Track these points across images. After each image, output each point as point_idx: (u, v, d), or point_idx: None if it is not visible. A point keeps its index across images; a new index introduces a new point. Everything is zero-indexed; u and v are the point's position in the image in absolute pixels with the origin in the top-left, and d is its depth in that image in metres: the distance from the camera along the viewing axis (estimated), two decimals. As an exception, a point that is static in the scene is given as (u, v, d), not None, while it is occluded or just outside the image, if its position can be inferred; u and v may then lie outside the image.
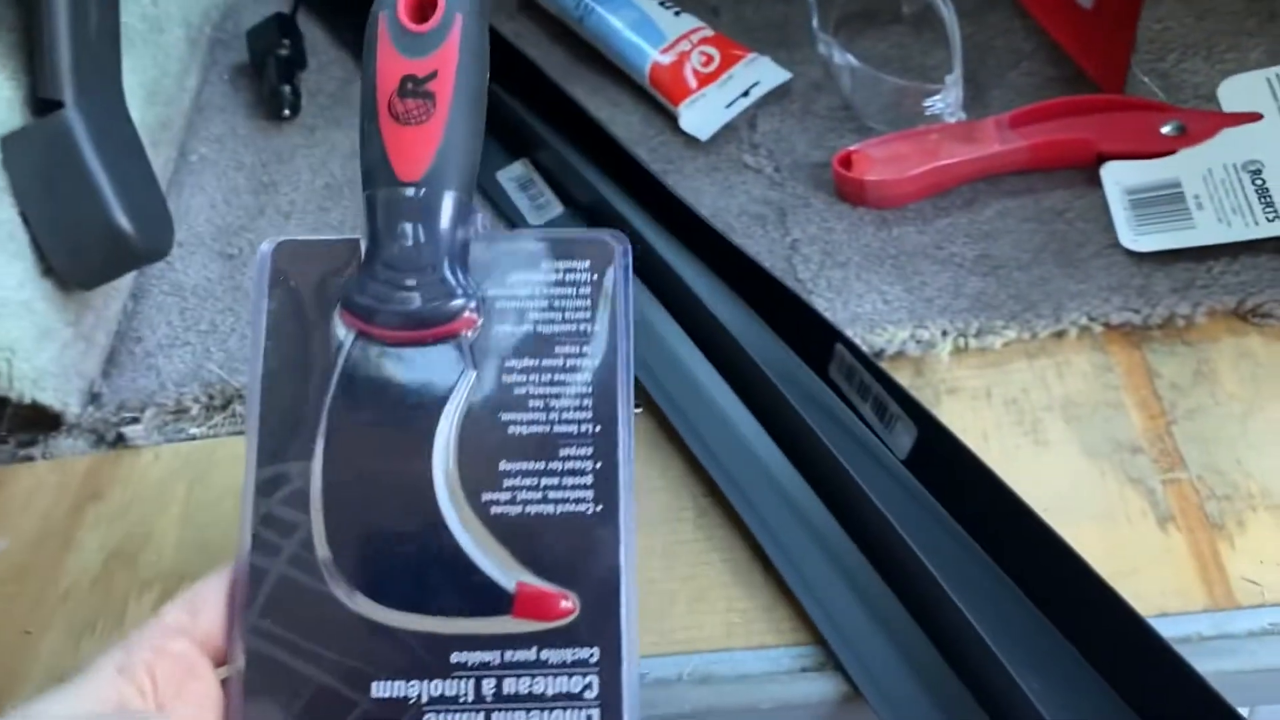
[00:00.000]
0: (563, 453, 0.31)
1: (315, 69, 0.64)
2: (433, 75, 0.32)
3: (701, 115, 0.56)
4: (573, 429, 0.32)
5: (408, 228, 0.32)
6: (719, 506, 0.44)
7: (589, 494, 0.31)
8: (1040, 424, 0.45)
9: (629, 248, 0.34)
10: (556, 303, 0.33)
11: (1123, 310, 0.46)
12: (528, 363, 0.32)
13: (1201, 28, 0.55)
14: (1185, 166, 0.49)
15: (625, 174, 0.54)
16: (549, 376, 0.32)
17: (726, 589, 0.42)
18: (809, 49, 0.56)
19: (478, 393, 0.32)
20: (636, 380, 0.47)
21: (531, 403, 0.32)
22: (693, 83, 0.56)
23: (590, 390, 0.32)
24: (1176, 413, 0.44)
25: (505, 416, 0.32)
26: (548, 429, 0.32)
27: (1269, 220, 0.46)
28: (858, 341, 0.47)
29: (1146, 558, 0.40)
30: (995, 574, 0.40)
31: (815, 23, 0.55)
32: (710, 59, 0.57)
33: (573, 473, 0.31)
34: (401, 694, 0.30)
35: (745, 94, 0.56)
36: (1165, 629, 0.38)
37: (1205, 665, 0.37)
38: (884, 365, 0.47)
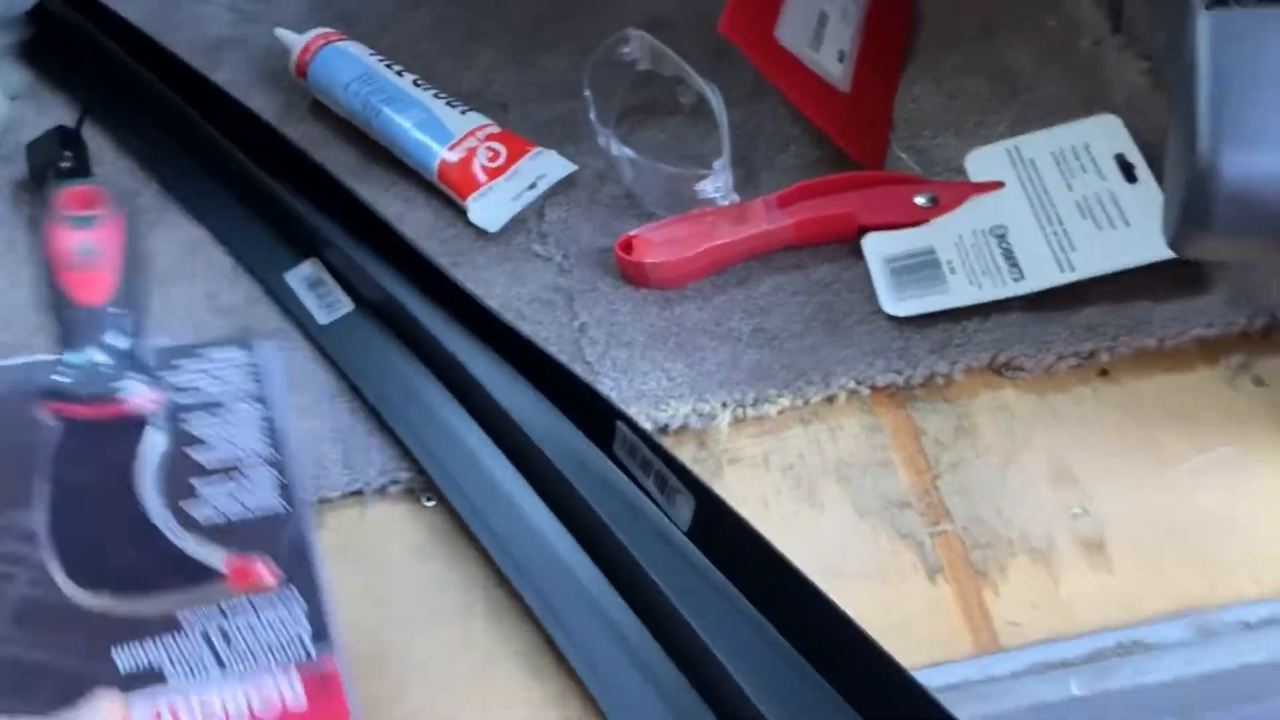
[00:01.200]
0: (249, 471, 0.44)
1: (101, 179, 0.63)
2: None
3: (490, 208, 0.57)
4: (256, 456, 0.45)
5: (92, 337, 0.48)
6: (512, 597, 0.44)
7: (277, 497, 0.44)
8: (816, 487, 0.46)
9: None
10: (222, 374, 0.48)
11: (886, 372, 0.48)
12: (206, 417, 0.46)
13: (953, 107, 0.59)
14: (938, 234, 0.52)
15: (414, 268, 0.54)
16: (224, 423, 0.46)
17: (521, 682, 0.42)
18: (594, 141, 0.58)
19: (164, 443, 0.45)
20: (430, 476, 0.47)
21: (213, 442, 0.45)
22: (481, 177, 0.58)
23: (266, 429, 0.46)
24: (941, 467, 0.46)
25: (194, 453, 0.45)
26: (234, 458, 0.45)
27: (1014, 280, 0.50)
28: (643, 418, 0.48)
29: (917, 610, 0.42)
30: (773, 640, 0.41)
31: (594, 117, 0.57)
32: (497, 154, 0.58)
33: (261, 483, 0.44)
34: (144, 657, 0.39)
35: (532, 186, 0.58)
36: (936, 678, 0.40)
37: (974, 709, 0.39)
38: (669, 440, 0.48)
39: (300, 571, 0.41)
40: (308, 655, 0.39)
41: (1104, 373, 0.48)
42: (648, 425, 0.48)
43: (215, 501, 0.43)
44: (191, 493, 0.44)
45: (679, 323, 0.52)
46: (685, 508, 0.44)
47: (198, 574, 0.41)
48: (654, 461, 0.45)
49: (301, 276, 0.56)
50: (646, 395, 0.49)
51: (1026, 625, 0.41)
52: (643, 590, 0.41)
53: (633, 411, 0.48)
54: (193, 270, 0.57)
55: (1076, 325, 0.48)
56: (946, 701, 0.38)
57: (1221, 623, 0.40)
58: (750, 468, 0.47)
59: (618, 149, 0.56)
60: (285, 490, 0.44)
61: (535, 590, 0.43)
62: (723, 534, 0.43)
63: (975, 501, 0.45)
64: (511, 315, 0.53)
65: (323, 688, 0.39)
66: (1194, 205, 0.38)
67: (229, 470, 0.44)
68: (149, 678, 0.39)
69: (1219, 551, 0.42)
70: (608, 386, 0.50)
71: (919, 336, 0.50)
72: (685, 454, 0.48)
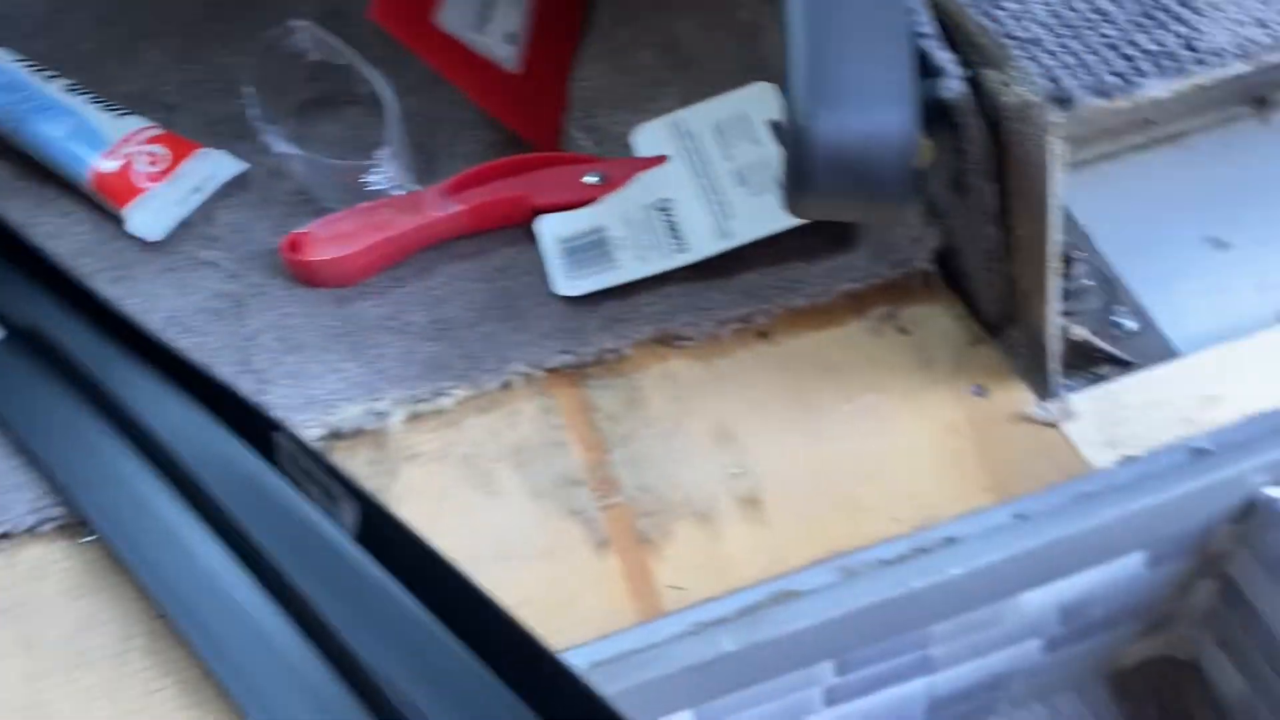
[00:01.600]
0: None
1: None
2: None
3: (152, 215, 0.54)
4: None
5: None
6: (173, 630, 0.42)
7: None
8: (492, 475, 0.46)
9: None
10: None
11: (560, 354, 0.49)
12: None
13: (625, 82, 0.60)
14: (607, 212, 0.53)
15: (66, 289, 0.51)
16: None
17: (183, 713, 0.40)
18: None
19: None
20: (83, 511, 0.44)
21: None
22: (142, 183, 0.54)
23: None
24: (613, 441, 0.47)
25: None
26: None
27: (678, 252, 0.51)
28: (315, 425, 0.47)
29: (585, 584, 0.43)
30: (440, 638, 0.41)
31: (257, 113, 0.55)
32: (158, 158, 0.55)
33: None
34: None
35: (197, 189, 0.55)
36: (602, 650, 0.41)
37: (637, 677, 0.40)
38: (344, 443, 0.47)
39: None
40: None
41: (762, 335, 0.49)
42: (320, 431, 0.47)
43: None
44: None
45: (355, 321, 0.51)
46: (350, 514, 0.43)
47: None
48: (315, 470, 0.44)
49: (-59, 307, 0.52)
50: (318, 401, 0.48)
51: (689, 588, 0.42)
52: (305, 607, 0.40)
53: (304, 418, 0.47)
54: None
55: (735, 291, 0.50)
56: (608, 673, 0.39)
57: (863, 563, 0.42)
58: (428, 463, 0.47)
59: (282, 146, 0.54)
60: None
61: (192, 619, 0.41)
62: (387, 537, 0.42)
63: (644, 471, 0.46)
64: (178, 329, 0.50)
65: None
66: (795, 168, 0.39)
67: None
68: None
69: (863, 495, 0.44)
70: (280, 394, 0.48)
71: (591, 315, 0.50)
72: (361, 457, 0.47)
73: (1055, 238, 0.41)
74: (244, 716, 0.39)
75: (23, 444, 0.47)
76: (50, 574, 0.44)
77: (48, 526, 0.45)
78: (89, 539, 0.44)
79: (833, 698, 0.45)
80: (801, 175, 0.39)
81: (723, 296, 0.50)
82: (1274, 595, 0.47)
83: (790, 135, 0.40)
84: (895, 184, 0.38)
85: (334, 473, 0.43)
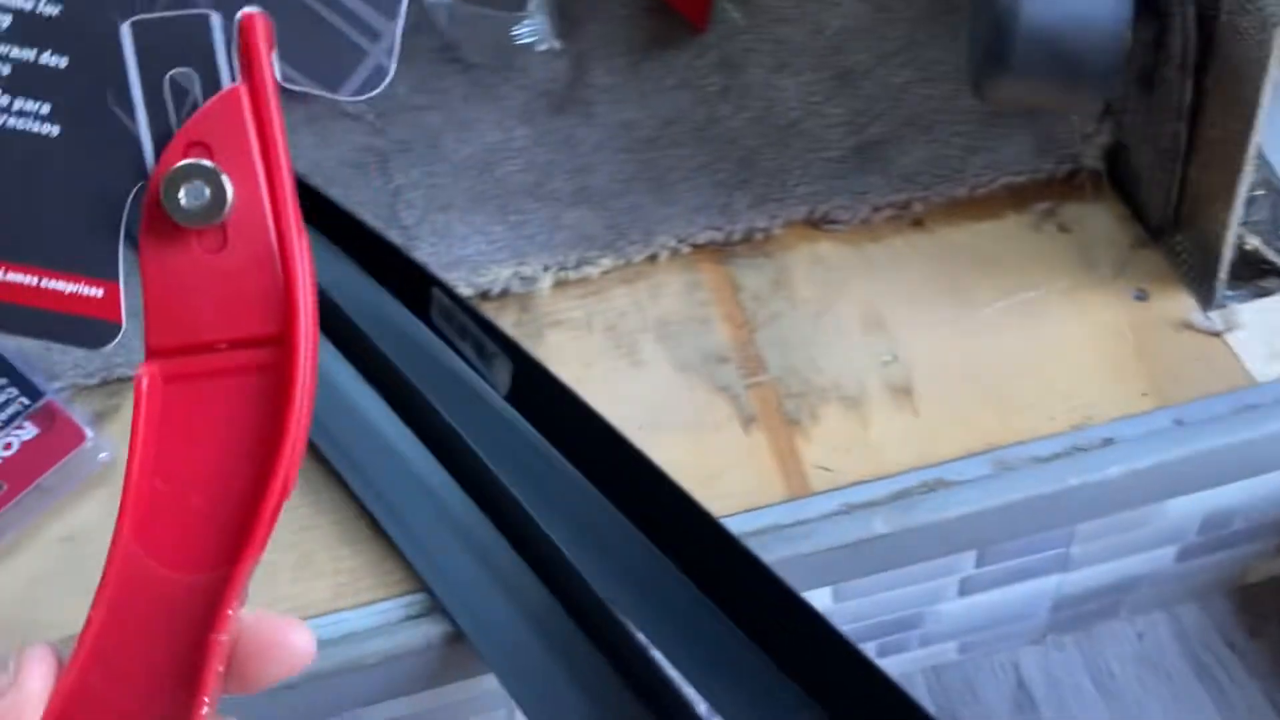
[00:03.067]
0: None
1: None
2: None
3: (296, 65, 0.53)
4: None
5: None
6: (322, 466, 0.43)
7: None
8: (636, 346, 0.46)
9: None
10: None
11: (708, 230, 0.48)
12: None
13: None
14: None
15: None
16: None
17: (333, 551, 0.41)
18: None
19: None
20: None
21: None
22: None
23: None
24: (759, 321, 0.46)
25: None
26: None
27: (833, 133, 0.50)
28: (463, 285, 0.47)
29: (731, 459, 0.43)
30: (591, 495, 0.41)
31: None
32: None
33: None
34: None
35: (341, 41, 0.54)
36: (749, 523, 0.41)
37: (785, 551, 0.40)
38: (491, 305, 0.47)
39: None
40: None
41: (917, 223, 0.48)
42: (468, 291, 0.47)
43: None
44: None
45: (501, 185, 0.50)
46: (503, 371, 0.43)
47: None
48: (470, 326, 0.44)
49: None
50: (466, 261, 0.48)
51: (836, 470, 0.42)
52: (458, 453, 0.41)
53: (452, 278, 0.47)
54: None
55: (892, 176, 0.49)
56: (757, 544, 0.40)
57: (1017, 458, 0.42)
58: (572, 330, 0.47)
59: (430, -2, 0.53)
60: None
61: (348, 460, 0.42)
62: (540, 395, 0.42)
63: (791, 352, 0.45)
64: (320, 181, 0.50)
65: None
66: (993, 47, 0.38)
67: None
68: None
69: (1017, 392, 0.43)
70: (426, 252, 0.48)
71: (740, 192, 0.49)
72: (507, 319, 0.47)
73: (1256, 140, 0.39)
74: (406, 558, 0.40)
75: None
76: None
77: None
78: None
79: (966, 588, 0.45)
80: (1000, 55, 0.38)
81: (879, 181, 0.49)
82: None
83: (991, 10, 0.38)
84: (1103, 69, 0.37)
85: (491, 329, 0.43)
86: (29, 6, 0.28)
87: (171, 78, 0.26)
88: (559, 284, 0.48)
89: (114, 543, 0.25)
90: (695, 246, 0.48)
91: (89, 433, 0.42)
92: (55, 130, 0.28)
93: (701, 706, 0.36)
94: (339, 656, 0.39)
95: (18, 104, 0.28)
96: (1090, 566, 0.47)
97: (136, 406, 0.25)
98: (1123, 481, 0.41)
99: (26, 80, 0.28)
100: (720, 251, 0.48)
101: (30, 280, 0.28)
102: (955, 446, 0.42)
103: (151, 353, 0.26)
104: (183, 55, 0.27)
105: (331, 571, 0.41)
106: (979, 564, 0.44)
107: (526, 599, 0.39)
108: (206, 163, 0.25)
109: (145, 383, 0.25)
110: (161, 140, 0.26)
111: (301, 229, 0.26)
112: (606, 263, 0.48)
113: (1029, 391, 0.43)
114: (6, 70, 0.28)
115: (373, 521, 0.41)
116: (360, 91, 0.29)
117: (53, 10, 0.28)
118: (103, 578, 0.25)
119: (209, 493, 0.25)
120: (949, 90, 0.51)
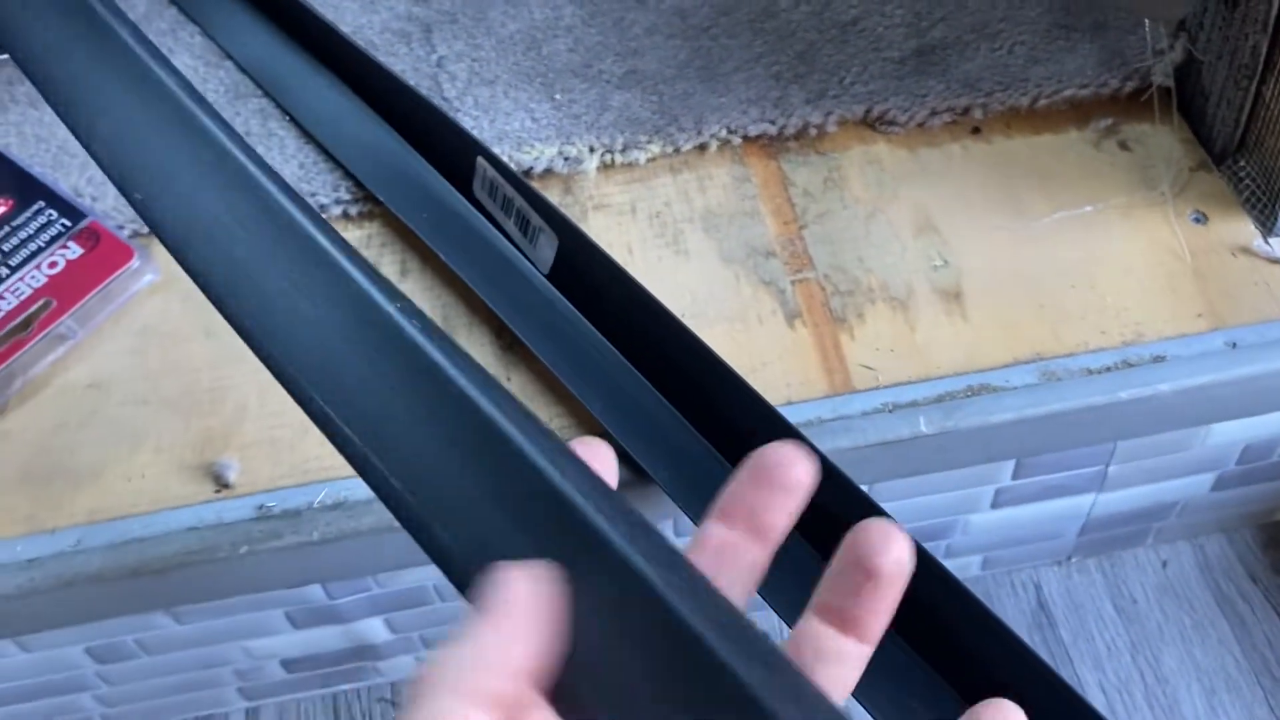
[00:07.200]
0: None
1: None
2: None
3: (340, -73, 0.52)
4: None
5: None
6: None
7: None
8: (681, 235, 0.45)
9: None
10: None
11: (760, 122, 0.47)
12: None
13: None
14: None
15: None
16: None
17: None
18: None
19: None
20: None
21: None
22: (331, -108, 0.52)
23: None
24: (808, 218, 0.45)
25: None
26: None
27: (894, 33, 0.48)
28: (505, 160, 0.45)
29: (775, 352, 0.42)
30: (633, 377, 0.40)
31: None
32: None
33: None
34: None
35: (388, -95, 0.52)
36: (791, 415, 0.40)
37: (826, 444, 0.40)
38: (532, 183, 0.46)
39: None
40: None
41: (975, 131, 0.47)
42: (511, 167, 0.46)
43: None
44: None
45: (547, 62, 0.49)
46: (548, 248, 0.42)
47: None
48: (515, 199, 0.42)
49: None
50: (509, 136, 0.46)
51: (881, 369, 0.41)
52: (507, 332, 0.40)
53: (495, 152, 0.45)
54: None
55: (953, 80, 0.47)
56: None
57: (1065, 369, 0.41)
58: (617, 215, 0.45)
59: None
60: None
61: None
62: (586, 273, 0.41)
63: (839, 251, 0.44)
64: (362, 45, 0.48)
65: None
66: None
67: None
68: None
69: (1069, 304, 0.43)
70: (467, 125, 0.46)
71: (795, 87, 0.48)
72: (549, 199, 0.46)
73: (1342, 53, 0.38)
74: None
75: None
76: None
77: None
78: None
79: (1000, 500, 0.45)
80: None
81: (940, 84, 0.47)
82: None
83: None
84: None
85: (539, 201, 0.42)
86: None
87: None
88: (604, 167, 0.46)
89: None
90: (746, 138, 0.47)
91: (135, 250, 0.41)
92: None
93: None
94: (364, 518, 0.38)
95: None
96: (1126, 489, 0.46)
97: None
98: (1171, 399, 0.40)
99: None
100: (771, 146, 0.47)
101: None
102: (1003, 354, 0.41)
103: None
104: None
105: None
106: (1015, 475, 0.44)
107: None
108: None
109: None
110: None
111: None
112: (654, 149, 0.46)
113: (1081, 305, 0.42)
114: None
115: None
116: None
117: None
118: None
119: None
120: (1016, -2, 0.49)
